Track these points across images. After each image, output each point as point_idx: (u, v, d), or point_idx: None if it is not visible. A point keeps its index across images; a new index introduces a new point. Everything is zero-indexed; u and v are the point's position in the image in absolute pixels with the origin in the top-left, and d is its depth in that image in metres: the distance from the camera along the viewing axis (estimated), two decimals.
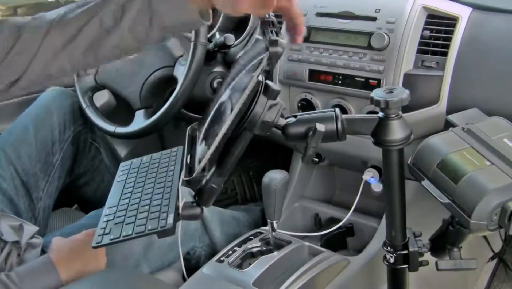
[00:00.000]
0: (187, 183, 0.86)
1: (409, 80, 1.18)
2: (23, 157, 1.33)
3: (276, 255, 1.13)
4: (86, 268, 1.02)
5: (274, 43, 0.80)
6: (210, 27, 1.51)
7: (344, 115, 0.91)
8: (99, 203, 1.30)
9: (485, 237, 1.46)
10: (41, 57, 0.93)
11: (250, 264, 1.11)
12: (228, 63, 1.50)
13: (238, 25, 1.64)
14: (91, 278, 0.98)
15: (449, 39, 1.18)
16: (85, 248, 1.03)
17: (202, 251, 1.28)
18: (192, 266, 1.24)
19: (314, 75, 1.30)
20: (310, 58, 1.30)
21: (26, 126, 1.39)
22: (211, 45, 1.45)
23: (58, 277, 1.00)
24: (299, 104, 1.35)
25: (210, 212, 1.32)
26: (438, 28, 1.20)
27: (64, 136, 1.44)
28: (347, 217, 1.21)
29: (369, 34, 1.22)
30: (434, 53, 1.19)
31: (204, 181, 0.87)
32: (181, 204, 0.90)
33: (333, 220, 1.42)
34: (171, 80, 1.42)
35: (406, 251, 1.01)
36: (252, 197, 1.91)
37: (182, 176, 0.90)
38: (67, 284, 1.00)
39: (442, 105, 1.17)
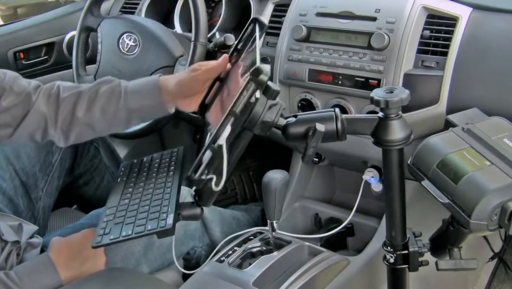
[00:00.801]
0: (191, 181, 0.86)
1: (409, 80, 1.18)
2: (23, 156, 1.32)
3: (276, 255, 1.13)
4: (85, 267, 1.02)
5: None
6: (210, 27, 1.52)
7: (344, 115, 0.92)
8: (99, 203, 1.30)
9: (485, 237, 1.46)
10: (30, 119, 1.06)
11: (250, 264, 1.11)
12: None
13: (238, 25, 1.64)
14: (91, 278, 0.98)
15: (449, 39, 1.18)
16: (83, 247, 1.03)
17: (202, 251, 1.28)
18: (192, 266, 1.24)
19: (314, 75, 1.29)
20: (310, 58, 1.30)
21: None
22: (211, 45, 1.45)
23: (57, 276, 1.00)
24: (299, 104, 1.35)
25: (211, 212, 1.32)
26: (438, 28, 1.20)
27: None
28: (349, 218, 1.21)
29: (369, 34, 1.22)
30: (434, 53, 1.19)
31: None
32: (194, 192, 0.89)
33: (333, 220, 1.42)
34: None
35: (406, 251, 1.01)
36: (252, 197, 1.91)
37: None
38: (66, 283, 1.00)
39: (442, 105, 1.17)
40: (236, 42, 1.04)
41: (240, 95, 0.82)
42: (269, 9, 1.44)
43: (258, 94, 0.82)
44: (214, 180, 0.84)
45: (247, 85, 0.81)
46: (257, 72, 0.80)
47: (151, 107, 1.06)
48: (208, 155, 0.83)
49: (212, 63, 1.05)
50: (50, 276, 1.00)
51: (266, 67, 0.80)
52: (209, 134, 0.94)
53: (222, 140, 0.81)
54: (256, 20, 0.97)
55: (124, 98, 1.06)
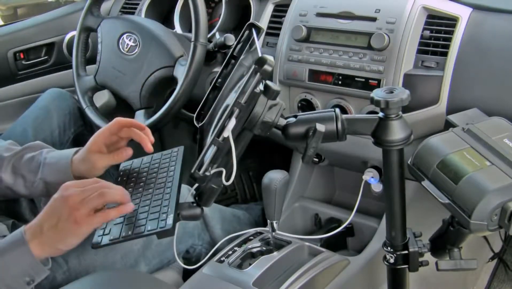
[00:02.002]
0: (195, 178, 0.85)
1: (409, 80, 1.18)
2: None
3: (276, 255, 1.13)
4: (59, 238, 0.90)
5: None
6: (210, 27, 1.52)
7: (344, 116, 0.92)
8: None
9: (485, 237, 1.46)
10: None
11: (250, 264, 1.11)
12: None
13: (238, 25, 1.64)
14: (91, 278, 0.98)
15: (449, 39, 1.18)
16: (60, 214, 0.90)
17: (202, 249, 1.28)
18: (192, 264, 1.24)
19: (314, 75, 1.29)
20: (310, 58, 1.30)
21: (25, 129, 1.39)
22: (211, 45, 1.45)
23: (30, 254, 0.88)
24: (299, 105, 1.35)
25: (211, 209, 1.32)
26: (438, 28, 1.20)
27: (64, 138, 1.44)
28: (349, 219, 1.21)
29: (369, 34, 1.22)
30: (434, 53, 1.19)
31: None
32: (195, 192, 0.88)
33: (333, 220, 1.42)
34: (171, 80, 1.42)
35: (406, 251, 1.01)
36: (252, 197, 1.91)
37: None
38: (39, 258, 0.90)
39: (442, 105, 1.17)
40: (233, 47, 1.04)
41: (245, 86, 0.81)
42: (269, 9, 1.44)
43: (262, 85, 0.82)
44: (224, 173, 0.84)
45: (252, 75, 0.81)
46: (262, 62, 0.80)
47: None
48: (212, 150, 0.83)
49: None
50: (23, 254, 0.88)
51: (270, 57, 0.80)
52: (211, 132, 0.94)
53: (228, 132, 0.81)
54: (252, 25, 0.97)
55: (42, 170, 1.11)
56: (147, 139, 1.08)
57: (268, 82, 0.84)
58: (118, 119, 1.10)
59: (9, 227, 1.11)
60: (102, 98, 1.76)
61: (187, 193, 1.21)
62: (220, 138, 0.81)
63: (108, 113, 1.71)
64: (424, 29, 1.20)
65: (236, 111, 0.81)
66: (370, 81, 1.22)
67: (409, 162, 0.93)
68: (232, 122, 0.81)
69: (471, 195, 0.81)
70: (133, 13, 1.74)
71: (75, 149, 1.13)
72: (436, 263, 0.98)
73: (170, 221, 0.89)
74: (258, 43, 0.93)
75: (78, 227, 0.87)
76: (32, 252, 0.87)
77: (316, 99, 1.32)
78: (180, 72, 1.37)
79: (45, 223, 0.89)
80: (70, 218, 0.87)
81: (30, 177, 1.12)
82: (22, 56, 1.80)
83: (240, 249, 1.16)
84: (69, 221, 0.87)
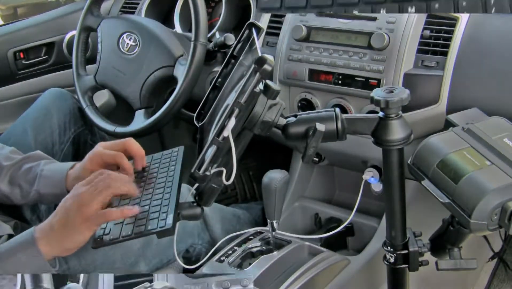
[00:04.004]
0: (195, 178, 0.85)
1: (409, 80, 1.18)
2: None
3: (276, 255, 1.13)
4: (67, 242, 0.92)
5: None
6: (210, 27, 1.52)
7: (344, 115, 0.92)
8: None
9: (485, 237, 1.46)
10: None
11: (250, 264, 1.11)
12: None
13: (238, 25, 1.64)
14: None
15: (449, 39, 1.17)
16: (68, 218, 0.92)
17: (202, 248, 1.28)
18: (192, 263, 1.24)
19: (314, 75, 1.29)
20: (310, 58, 1.30)
21: (25, 129, 1.39)
22: (211, 45, 1.45)
23: (39, 255, 0.90)
24: (299, 104, 1.35)
25: (211, 209, 1.31)
26: (438, 28, 1.20)
27: (64, 138, 1.44)
28: (349, 219, 1.21)
29: (369, 34, 1.22)
30: (434, 53, 1.19)
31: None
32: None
33: (333, 220, 1.42)
34: (171, 80, 1.42)
35: (406, 251, 1.01)
36: (252, 197, 1.91)
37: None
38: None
39: (442, 105, 1.17)
40: (233, 47, 1.04)
41: (245, 86, 0.82)
42: None
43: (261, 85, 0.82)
44: (224, 173, 0.84)
45: (252, 75, 0.81)
46: (261, 61, 0.80)
47: (58, 196, 1.06)
48: (212, 150, 0.83)
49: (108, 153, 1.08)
50: (33, 255, 0.89)
51: (270, 57, 0.80)
52: (211, 131, 0.94)
53: (228, 132, 0.81)
54: (252, 25, 0.97)
55: (38, 182, 1.12)
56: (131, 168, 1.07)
57: (268, 81, 0.84)
58: (119, 156, 1.07)
59: (12, 227, 1.12)
60: (102, 98, 1.76)
61: (187, 193, 1.21)
62: (220, 138, 0.82)
63: (108, 113, 1.71)
64: (424, 28, 1.20)
65: (236, 110, 0.81)
66: (370, 80, 1.22)
67: (409, 162, 0.93)
68: (232, 122, 0.81)
69: (471, 194, 0.81)
70: (133, 13, 1.74)
71: (71, 163, 1.13)
72: (436, 263, 0.98)
73: (170, 220, 0.89)
74: (258, 43, 0.93)
75: (86, 223, 0.89)
76: (41, 252, 0.88)
77: (316, 98, 1.32)
78: (180, 72, 1.38)
79: (55, 221, 0.91)
80: (78, 214, 0.89)
81: (26, 187, 1.13)
82: (22, 55, 1.80)
83: (240, 249, 1.16)
84: (77, 217, 0.89)
